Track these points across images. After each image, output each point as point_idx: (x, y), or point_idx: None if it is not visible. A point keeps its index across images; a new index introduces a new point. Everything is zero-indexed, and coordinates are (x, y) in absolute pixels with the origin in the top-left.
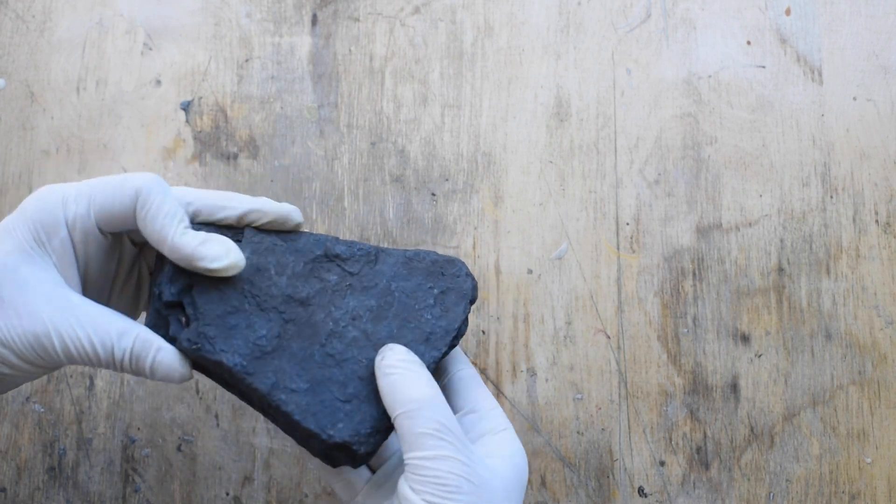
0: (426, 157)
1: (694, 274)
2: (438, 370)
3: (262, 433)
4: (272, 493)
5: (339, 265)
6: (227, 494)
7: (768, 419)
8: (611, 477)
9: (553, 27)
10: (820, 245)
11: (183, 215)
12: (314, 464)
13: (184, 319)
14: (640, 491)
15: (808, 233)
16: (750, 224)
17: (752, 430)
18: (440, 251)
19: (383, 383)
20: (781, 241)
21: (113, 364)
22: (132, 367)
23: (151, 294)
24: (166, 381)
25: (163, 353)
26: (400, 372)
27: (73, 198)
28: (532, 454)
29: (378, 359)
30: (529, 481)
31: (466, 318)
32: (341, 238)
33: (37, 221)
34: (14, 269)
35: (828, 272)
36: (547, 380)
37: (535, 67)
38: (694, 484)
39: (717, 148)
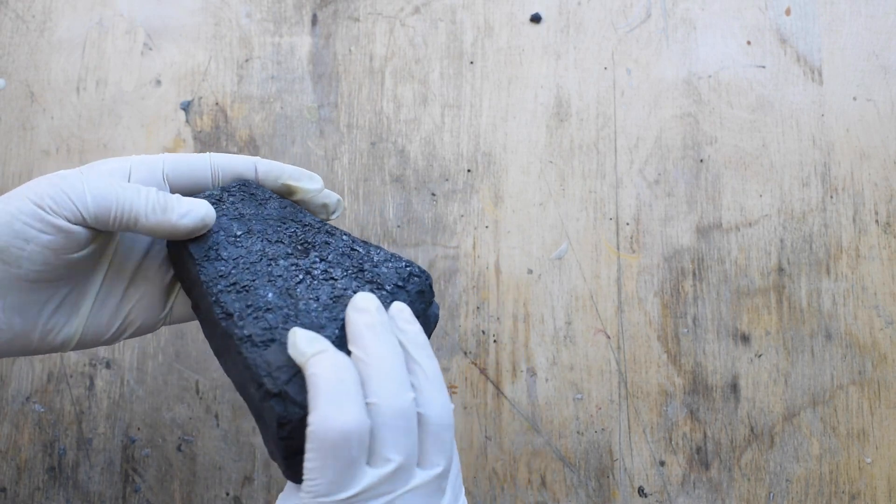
0: (426, 157)
1: (694, 274)
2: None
3: None
4: (272, 493)
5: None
6: (227, 494)
7: (768, 419)
8: (611, 477)
9: (553, 27)
10: (820, 245)
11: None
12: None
13: None
14: (640, 491)
15: (808, 233)
16: (750, 224)
17: (752, 430)
18: (440, 251)
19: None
20: (781, 241)
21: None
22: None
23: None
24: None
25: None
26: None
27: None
28: (532, 454)
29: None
30: (529, 481)
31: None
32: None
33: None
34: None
35: (828, 272)
36: (547, 380)
37: (535, 67)
38: (694, 484)
39: (717, 148)
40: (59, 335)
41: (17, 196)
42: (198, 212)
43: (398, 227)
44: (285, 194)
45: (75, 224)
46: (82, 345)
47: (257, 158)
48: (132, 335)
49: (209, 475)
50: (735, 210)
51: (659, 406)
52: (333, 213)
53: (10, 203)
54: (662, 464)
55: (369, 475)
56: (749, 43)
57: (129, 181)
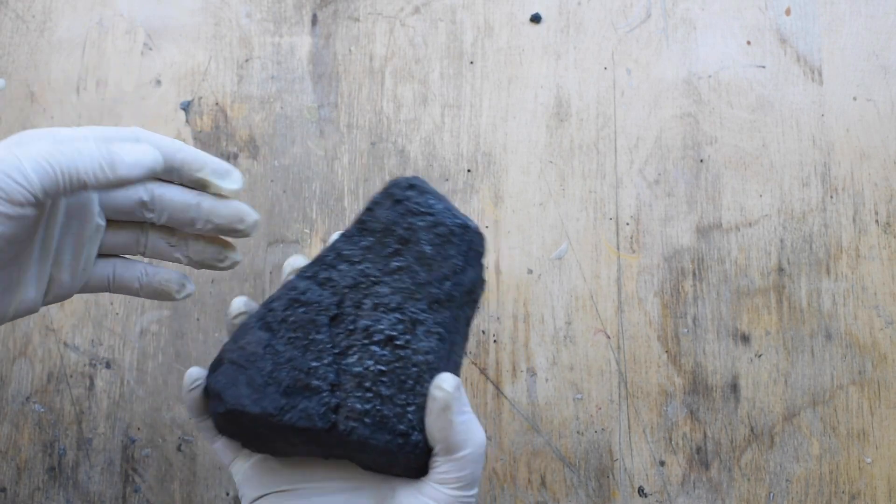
0: (426, 157)
1: (694, 274)
2: None
3: None
4: None
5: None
6: (227, 494)
7: (768, 419)
8: (611, 477)
9: (553, 27)
10: (820, 245)
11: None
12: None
13: None
14: (640, 491)
15: (808, 233)
16: (750, 224)
17: (752, 430)
18: None
19: (457, 420)
20: (781, 241)
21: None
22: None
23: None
24: (135, 170)
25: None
26: (469, 412)
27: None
28: (532, 454)
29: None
30: (529, 481)
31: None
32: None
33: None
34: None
35: (828, 272)
36: (547, 380)
37: (535, 67)
38: (694, 484)
39: (717, 148)
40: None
41: None
42: (145, 161)
43: None
44: (199, 188)
45: (26, 206)
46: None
47: (181, 145)
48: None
49: (209, 475)
50: (735, 210)
51: (659, 406)
52: (244, 232)
53: None
54: (662, 464)
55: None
56: (749, 43)
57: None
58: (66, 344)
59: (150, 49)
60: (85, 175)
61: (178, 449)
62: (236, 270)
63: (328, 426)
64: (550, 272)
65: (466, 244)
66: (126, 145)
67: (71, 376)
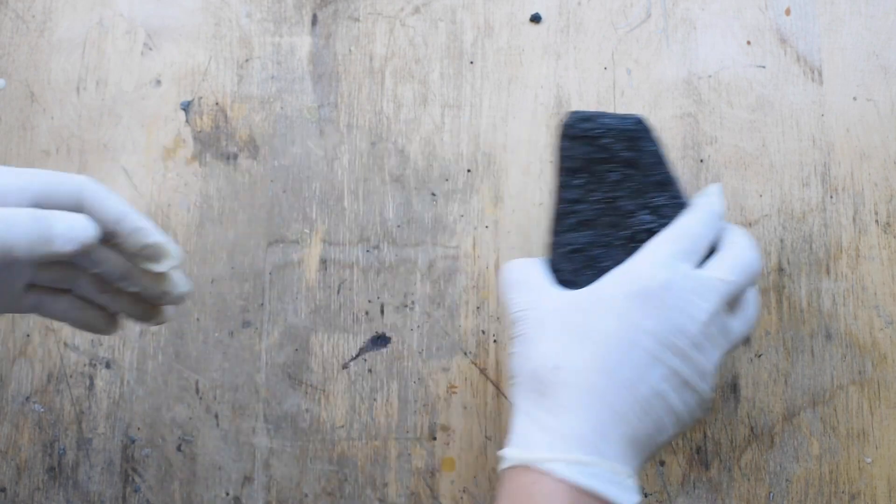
0: (426, 157)
1: None
2: None
3: (261, 433)
4: (272, 493)
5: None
6: (227, 494)
7: (768, 419)
8: None
9: (553, 27)
10: (820, 245)
11: None
12: None
13: None
14: (640, 491)
15: (808, 233)
16: (750, 224)
17: (752, 430)
18: (440, 251)
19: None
20: (781, 241)
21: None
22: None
23: None
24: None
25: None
26: None
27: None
28: None
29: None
30: None
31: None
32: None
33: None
34: None
35: (828, 272)
36: None
37: (535, 67)
38: (694, 484)
39: (717, 148)
40: None
41: None
42: (81, 237)
43: (398, 227)
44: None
45: None
46: None
47: (124, 214)
48: None
49: (209, 475)
50: (735, 210)
51: None
52: (173, 300)
53: None
54: (662, 464)
55: None
56: (749, 43)
57: None
58: (66, 344)
59: (150, 49)
60: (17, 250)
61: (178, 449)
62: (236, 270)
63: None
64: None
65: (646, 132)
66: (63, 217)
67: (71, 376)
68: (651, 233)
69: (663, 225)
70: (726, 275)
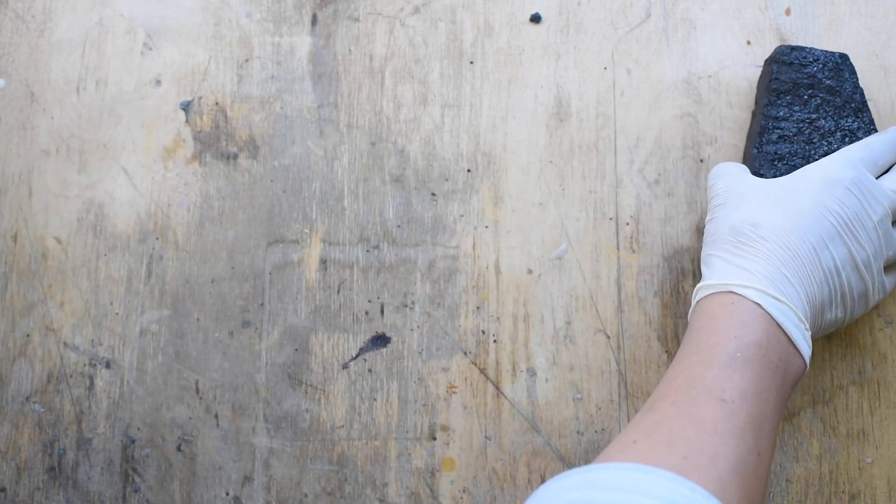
0: (426, 157)
1: (694, 274)
2: None
3: (262, 433)
4: (272, 493)
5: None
6: (227, 494)
7: None
8: None
9: (553, 27)
10: None
11: None
12: None
13: None
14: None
15: None
16: None
17: None
18: (440, 251)
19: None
20: None
21: None
22: None
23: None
24: None
25: None
26: None
27: None
28: (532, 454)
29: None
30: (529, 481)
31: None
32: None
33: None
34: None
35: None
36: (547, 380)
37: (535, 67)
38: None
39: (717, 148)
40: None
41: None
42: None
43: (398, 227)
44: None
45: None
46: None
47: None
48: None
49: (209, 475)
50: None
51: None
52: None
53: None
54: None
55: None
56: (749, 43)
57: None
58: (65, 344)
59: (150, 49)
60: None
61: (178, 449)
62: (236, 270)
63: None
64: (550, 272)
65: (849, 68)
66: None
67: (71, 376)
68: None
69: None
70: None
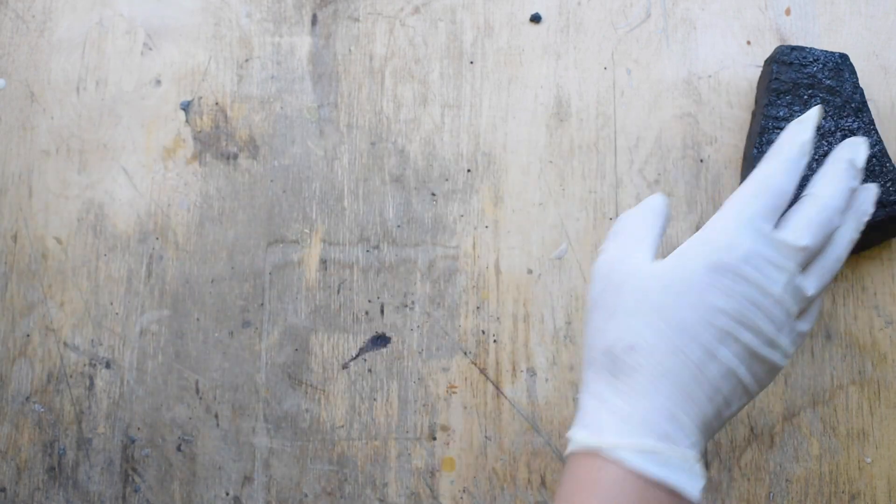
0: (426, 157)
1: None
2: None
3: (262, 433)
4: (272, 493)
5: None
6: (227, 494)
7: (768, 419)
8: None
9: (553, 27)
10: None
11: None
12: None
13: None
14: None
15: None
16: None
17: (752, 430)
18: (440, 251)
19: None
20: None
21: None
22: None
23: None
24: None
25: None
26: None
27: None
28: (532, 454)
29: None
30: (528, 481)
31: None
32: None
33: None
34: None
35: None
36: (547, 380)
37: (535, 67)
38: None
39: (717, 148)
40: None
41: None
42: None
43: (398, 227)
44: None
45: None
46: None
47: None
48: None
49: (209, 475)
50: None
51: None
52: None
53: None
54: None
55: None
56: (749, 43)
57: None
58: (65, 344)
59: (150, 49)
60: None
61: (178, 449)
62: (236, 270)
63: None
64: (550, 272)
65: (849, 68)
66: None
67: (71, 376)
68: None
69: None
70: (804, 239)
